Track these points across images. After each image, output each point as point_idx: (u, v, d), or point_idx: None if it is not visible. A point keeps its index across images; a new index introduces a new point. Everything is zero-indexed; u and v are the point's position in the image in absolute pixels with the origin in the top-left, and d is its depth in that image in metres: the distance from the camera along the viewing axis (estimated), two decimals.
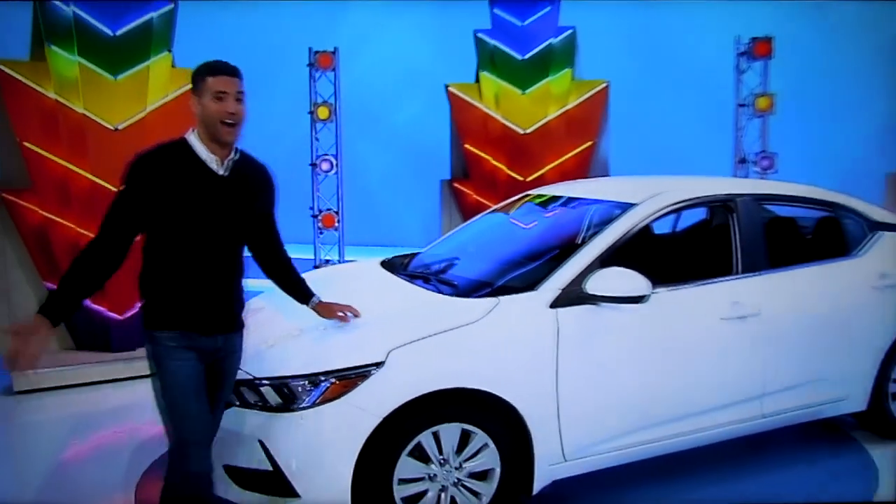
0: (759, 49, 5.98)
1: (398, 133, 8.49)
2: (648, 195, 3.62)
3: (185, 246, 2.59)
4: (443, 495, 3.03)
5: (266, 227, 2.89)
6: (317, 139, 6.68)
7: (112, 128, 5.06)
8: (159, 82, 5.23)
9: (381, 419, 2.86)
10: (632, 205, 3.56)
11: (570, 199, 4.13)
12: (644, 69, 8.88)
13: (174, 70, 5.40)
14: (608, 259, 3.31)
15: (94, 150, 5.03)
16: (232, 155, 2.62)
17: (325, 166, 6.60)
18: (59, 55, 4.95)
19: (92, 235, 5.13)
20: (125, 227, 2.56)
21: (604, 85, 6.42)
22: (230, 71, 2.58)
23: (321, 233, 6.68)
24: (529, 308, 3.17)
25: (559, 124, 6.37)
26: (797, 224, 4.42)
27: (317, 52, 6.49)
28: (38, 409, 4.79)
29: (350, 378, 2.89)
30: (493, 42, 6.48)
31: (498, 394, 3.02)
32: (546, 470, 3.19)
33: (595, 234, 3.47)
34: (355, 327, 3.11)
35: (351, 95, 8.66)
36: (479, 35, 6.54)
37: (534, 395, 3.09)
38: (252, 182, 2.71)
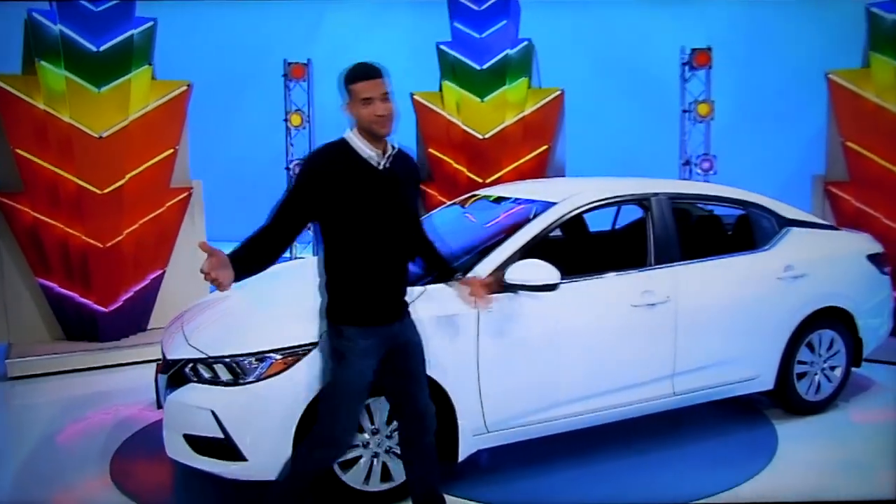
0: (699, 59, 6.40)
1: None
2: (568, 195, 4.05)
3: (358, 241, 2.72)
4: (375, 461, 3.44)
5: (416, 215, 3.02)
6: (291, 144, 7.12)
7: (96, 136, 5.47)
8: (140, 93, 5.65)
9: (317, 392, 3.27)
10: (552, 204, 4.00)
11: (507, 199, 4.55)
12: (600, 78, 9.32)
13: (155, 82, 5.83)
14: (532, 252, 3.71)
15: (80, 157, 5.45)
16: (390, 150, 2.76)
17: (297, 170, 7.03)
18: (48, 69, 5.38)
19: (79, 235, 5.61)
20: (291, 218, 2.71)
21: (558, 93, 6.84)
22: (371, 74, 2.64)
23: None
24: (453, 295, 3.59)
25: (516, 130, 6.79)
26: (719, 221, 4.83)
27: (290, 63, 6.93)
28: (30, 394, 5.21)
29: (290, 356, 3.33)
30: (453, 53, 6.90)
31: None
32: (470, 440, 3.58)
33: (517, 229, 3.89)
34: (298, 311, 3.55)
35: (329, 103, 9.10)
36: (441, 47, 6.96)
37: (456, 373, 3.48)
38: (405, 172, 2.81)
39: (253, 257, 2.68)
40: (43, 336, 5.82)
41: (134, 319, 5.96)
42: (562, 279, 3.57)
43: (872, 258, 4.80)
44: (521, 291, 3.61)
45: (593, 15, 9.28)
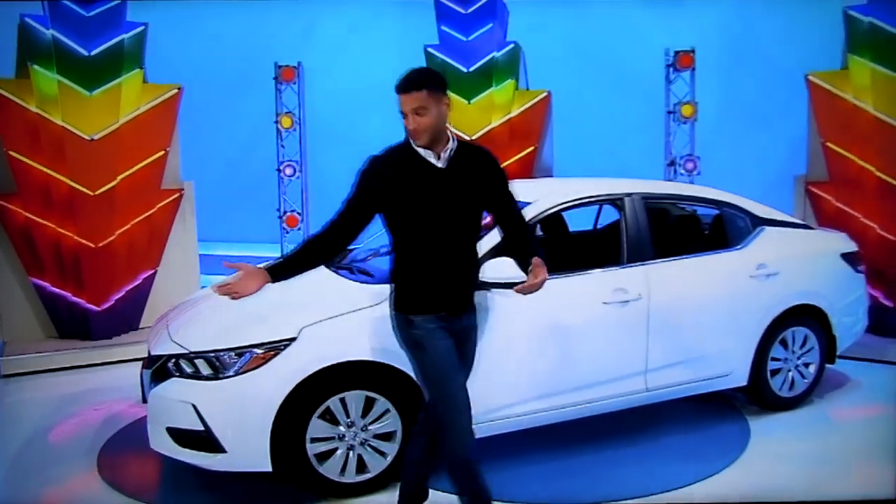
0: (681, 61, 6.50)
1: (364, 140, 9.03)
2: (542, 196, 4.15)
3: (419, 234, 2.83)
4: (350, 453, 3.55)
5: (502, 203, 3.03)
6: (282, 146, 7.23)
7: (88, 138, 5.60)
8: (131, 96, 5.77)
9: (293, 386, 3.38)
10: (526, 204, 4.09)
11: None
12: (588, 80, 9.42)
13: (146, 85, 5.95)
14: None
15: (72, 159, 5.57)
16: (450, 146, 2.83)
17: (288, 171, 7.17)
18: (40, 73, 5.50)
19: (71, 235, 5.71)
20: (354, 215, 2.82)
21: (544, 94, 6.94)
22: (404, 88, 2.74)
23: (287, 232, 7.24)
24: None
25: (503, 131, 6.88)
26: (695, 220, 4.92)
27: (280, 66, 7.05)
28: (24, 390, 5.33)
29: (268, 351, 3.44)
30: (441, 56, 7.00)
31: (396, 366, 3.53)
32: None
33: (490, 229, 3.98)
34: (277, 308, 3.66)
35: (323, 105, 9.23)
36: (429, 49, 7.07)
37: None
38: (471, 168, 2.88)
39: (306, 259, 2.84)
40: (37, 334, 5.94)
41: (125, 318, 6.07)
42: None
43: (847, 257, 4.89)
44: (492, 289, 3.71)
45: (582, 17, 9.39)
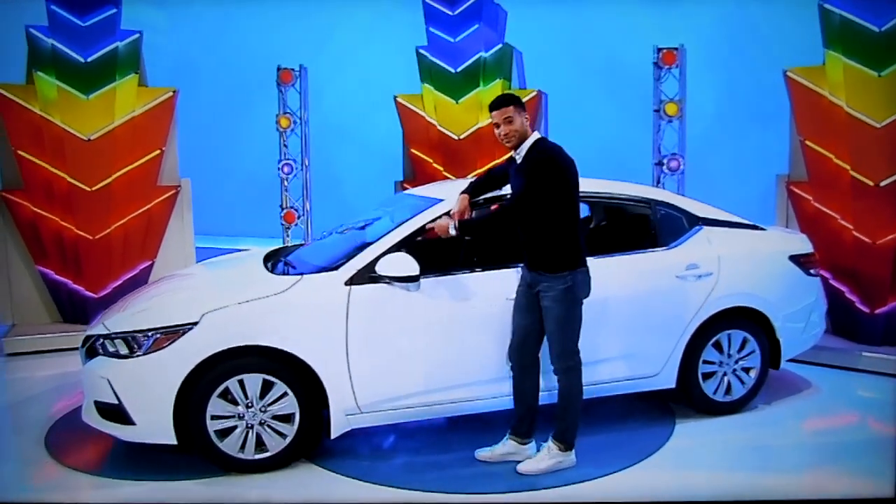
0: (665, 58, 6.37)
1: (365, 138, 9.38)
2: (451, 195, 4.24)
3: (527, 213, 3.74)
4: (250, 432, 3.79)
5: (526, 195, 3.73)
6: (285, 146, 7.58)
7: (85, 138, 6.09)
8: (126, 99, 6.22)
9: (193, 366, 3.65)
10: (438, 200, 4.22)
11: (422, 197, 4.74)
12: (584, 79, 9.32)
13: (142, 89, 6.39)
14: (421, 246, 3.97)
15: (71, 157, 6.08)
16: (525, 149, 3.78)
17: (286, 169, 7.51)
18: (43, 79, 6.03)
19: (71, 227, 6.20)
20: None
21: (534, 94, 6.95)
22: (497, 105, 3.81)
23: (288, 228, 7.58)
24: (327, 284, 3.87)
25: (491, 129, 6.89)
26: (627, 219, 4.77)
27: (281, 69, 7.39)
28: (24, 368, 5.83)
29: (172, 333, 3.72)
30: (430, 57, 7.15)
31: (292, 352, 3.75)
32: (343, 419, 3.87)
33: (400, 224, 4.12)
34: (188, 295, 3.95)
35: (328, 105, 9.55)
36: (420, 50, 7.22)
37: (326, 355, 3.78)
38: (526, 164, 3.75)
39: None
40: (43, 318, 6.49)
41: None
42: (445, 273, 3.91)
43: (796, 259, 4.73)
44: (394, 283, 3.86)
45: (579, 16, 9.31)
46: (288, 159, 7.51)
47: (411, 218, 4.10)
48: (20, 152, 6.10)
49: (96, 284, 6.35)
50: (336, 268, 3.93)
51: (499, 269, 4.12)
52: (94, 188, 6.16)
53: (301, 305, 3.83)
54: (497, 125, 3.80)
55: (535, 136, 3.81)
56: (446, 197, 4.23)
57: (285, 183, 7.56)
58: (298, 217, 7.55)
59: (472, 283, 4.04)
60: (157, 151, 6.47)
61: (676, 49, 6.42)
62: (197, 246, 6.92)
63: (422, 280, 3.92)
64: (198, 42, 9.98)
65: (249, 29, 9.98)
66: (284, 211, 7.54)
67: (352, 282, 3.87)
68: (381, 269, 3.84)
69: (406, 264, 3.82)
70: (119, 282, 6.45)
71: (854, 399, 5.01)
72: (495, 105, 3.81)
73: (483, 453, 3.99)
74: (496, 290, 4.02)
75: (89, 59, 6.08)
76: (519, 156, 3.81)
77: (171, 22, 9.64)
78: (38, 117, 6.05)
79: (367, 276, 3.87)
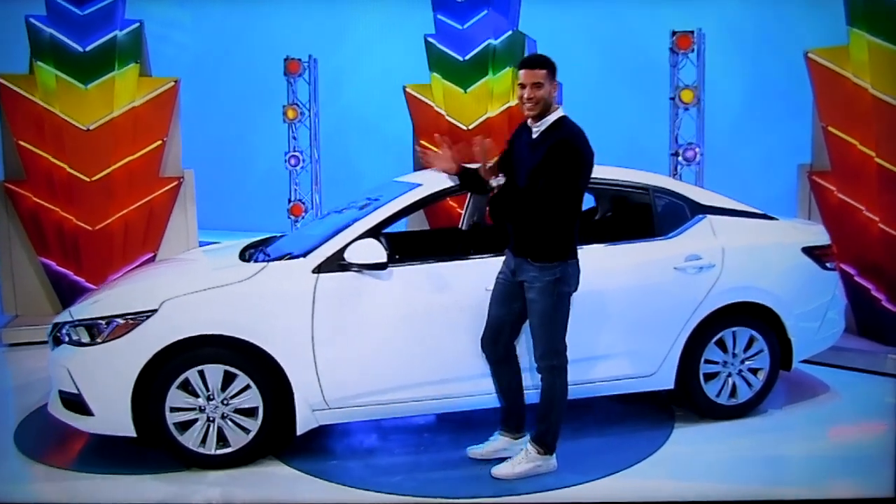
0: (680, 43, 6.00)
1: (382, 130, 9.18)
2: (428, 179, 4.03)
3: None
4: (211, 426, 3.62)
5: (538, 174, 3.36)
6: (294, 137, 7.45)
7: (84, 128, 6.05)
8: (126, 89, 6.17)
9: (151, 355, 3.51)
10: (416, 185, 4.01)
11: (407, 183, 4.50)
12: (603, 66, 8.97)
13: (143, 79, 6.33)
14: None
15: (71, 147, 6.04)
16: (547, 124, 3.38)
17: (293, 161, 7.38)
18: (43, 68, 6.01)
19: (71, 218, 6.18)
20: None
21: None
22: (529, 64, 3.37)
23: (296, 220, 7.45)
24: (292, 272, 3.69)
25: (500, 120, 6.69)
26: (625, 207, 4.51)
27: (287, 59, 7.27)
28: (22, 359, 5.80)
29: (130, 321, 3.58)
30: (438, 45, 6.92)
31: (254, 342, 3.57)
32: (309, 414, 3.67)
33: (371, 210, 3.92)
34: (151, 282, 3.81)
35: (346, 97, 9.40)
36: (428, 39, 7.00)
37: (290, 346, 3.60)
38: (546, 147, 3.33)
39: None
40: (46, 310, 6.47)
41: None
42: (421, 261, 3.73)
43: (811, 251, 4.35)
44: (363, 271, 3.66)
45: (596, 1, 8.97)
46: (295, 151, 7.38)
47: (384, 204, 3.90)
48: (22, 143, 6.10)
49: (97, 276, 6.29)
50: (305, 255, 3.75)
51: (478, 257, 3.90)
52: (93, 179, 6.12)
53: (264, 294, 3.66)
54: (523, 85, 3.34)
55: (560, 112, 3.41)
56: (424, 182, 4.02)
57: (296, 175, 7.44)
58: (306, 210, 7.41)
59: (449, 273, 3.82)
60: (159, 142, 6.40)
61: (692, 33, 6.06)
62: (204, 240, 6.83)
63: (396, 269, 3.73)
64: (209, 34, 9.97)
65: (265, 20, 9.91)
66: (291, 204, 7.41)
67: (319, 269, 3.68)
68: (349, 256, 3.65)
69: (374, 251, 3.62)
70: (120, 274, 6.38)
71: (878, 405, 4.60)
72: (527, 64, 3.37)
73: (475, 450, 3.75)
74: (474, 279, 3.76)
75: (88, 49, 6.04)
76: (537, 129, 3.41)
77: (183, 13, 9.66)
78: (39, 107, 6.02)
79: (336, 263, 3.68)
